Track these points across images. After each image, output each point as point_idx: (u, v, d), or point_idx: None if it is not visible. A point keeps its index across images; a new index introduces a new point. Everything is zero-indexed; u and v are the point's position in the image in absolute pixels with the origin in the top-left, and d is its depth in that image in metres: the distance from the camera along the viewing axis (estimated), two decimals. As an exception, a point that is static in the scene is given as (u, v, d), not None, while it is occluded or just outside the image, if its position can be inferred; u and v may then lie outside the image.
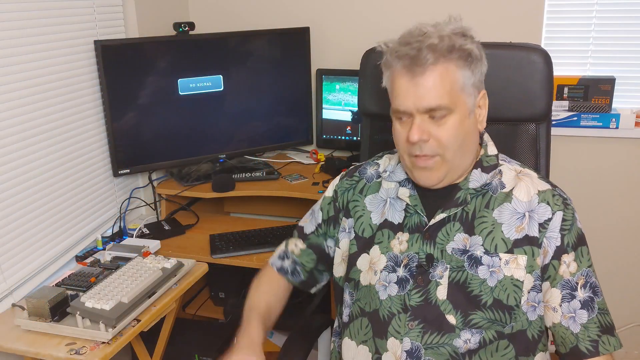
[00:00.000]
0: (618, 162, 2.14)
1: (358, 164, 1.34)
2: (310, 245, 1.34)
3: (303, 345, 1.39)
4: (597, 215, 2.19)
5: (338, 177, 1.34)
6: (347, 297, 1.26)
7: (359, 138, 2.29)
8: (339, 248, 1.28)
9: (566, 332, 1.09)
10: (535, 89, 1.33)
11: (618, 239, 2.21)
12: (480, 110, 1.13)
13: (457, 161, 1.11)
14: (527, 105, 1.35)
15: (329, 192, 1.33)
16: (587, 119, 2.10)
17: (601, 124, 2.09)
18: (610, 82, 2.05)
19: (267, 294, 1.35)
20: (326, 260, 1.34)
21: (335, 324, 1.35)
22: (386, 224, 1.20)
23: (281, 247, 1.40)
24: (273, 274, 1.38)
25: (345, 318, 1.25)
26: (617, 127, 2.07)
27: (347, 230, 1.26)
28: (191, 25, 2.09)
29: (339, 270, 1.30)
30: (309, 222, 1.36)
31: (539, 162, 1.39)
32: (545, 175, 1.39)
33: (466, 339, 1.10)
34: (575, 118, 2.10)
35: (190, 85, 2.09)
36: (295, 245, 1.36)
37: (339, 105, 2.30)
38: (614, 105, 2.09)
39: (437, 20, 1.10)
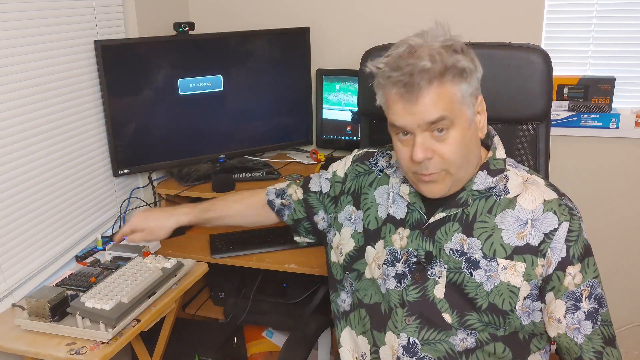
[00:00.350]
0: (618, 162, 2.14)
1: (372, 150, 1.34)
2: (305, 201, 1.37)
3: (303, 345, 1.39)
4: (597, 215, 2.19)
5: (350, 158, 1.34)
6: (347, 285, 1.27)
7: (359, 138, 2.28)
8: (339, 234, 1.29)
9: (570, 342, 1.09)
10: (535, 89, 1.33)
11: (618, 239, 2.21)
12: (480, 117, 1.11)
13: (461, 174, 1.10)
14: (527, 105, 1.35)
15: (341, 172, 1.34)
16: (587, 119, 2.10)
17: (601, 124, 2.09)
18: (610, 82, 2.05)
19: (240, 202, 1.44)
20: (311, 223, 1.37)
21: (333, 310, 1.35)
22: (390, 219, 1.21)
23: (282, 185, 1.44)
24: (261, 199, 1.43)
25: (347, 307, 1.27)
26: (617, 127, 2.08)
27: (352, 220, 1.27)
28: (191, 25, 2.08)
29: (334, 255, 1.31)
30: (316, 181, 1.37)
31: (538, 162, 1.39)
32: (544, 175, 1.38)
33: (462, 338, 1.10)
34: (575, 118, 2.10)
35: (190, 85, 2.09)
36: (296, 192, 1.40)
37: (339, 105, 2.30)
38: (614, 105, 2.09)
39: (423, 28, 1.07)
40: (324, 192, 1.35)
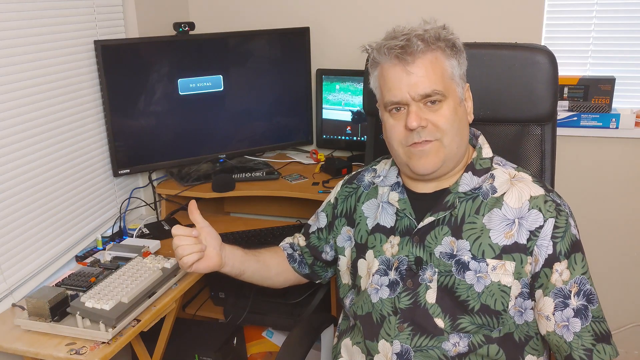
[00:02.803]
0: (618, 162, 2.14)
1: (359, 169, 1.35)
2: (308, 245, 1.39)
3: (301, 344, 1.39)
4: (596, 215, 2.19)
5: (340, 183, 1.36)
6: (347, 302, 1.27)
7: (359, 138, 2.29)
8: (344, 256, 1.30)
9: (560, 340, 1.08)
10: (540, 89, 1.32)
11: (618, 238, 2.21)
12: (467, 103, 1.16)
13: (454, 148, 1.11)
14: (532, 106, 1.33)
15: (331, 197, 1.36)
16: (587, 119, 2.10)
17: (601, 124, 2.09)
18: (610, 82, 2.05)
19: (266, 253, 1.39)
20: (324, 261, 1.38)
21: (339, 323, 1.36)
22: (378, 228, 1.21)
23: (290, 239, 1.46)
24: (281, 255, 1.42)
25: (350, 322, 1.27)
26: (617, 127, 2.07)
27: (351, 239, 1.28)
28: (191, 25, 2.08)
29: (345, 277, 1.32)
30: (314, 222, 1.40)
31: (544, 164, 1.37)
32: (550, 178, 1.37)
33: (455, 342, 1.10)
34: (575, 118, 2.10)
35: (190, 85, 2.09)
36: (298, 240, 1.42)
37: (339, 105, 2.30)
38: (614, 105, 2.08)
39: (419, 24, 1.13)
40: (320, 226, 1.37)
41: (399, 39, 1.06)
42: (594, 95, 2.07)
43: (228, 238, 1.96)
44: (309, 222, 1.43)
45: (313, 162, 2.32)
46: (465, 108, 1.15)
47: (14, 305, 1.56)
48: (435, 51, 1.07)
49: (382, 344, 1.15)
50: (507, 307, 1.09)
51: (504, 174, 1.15)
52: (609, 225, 2.20)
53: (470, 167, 1.15)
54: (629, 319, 2.25)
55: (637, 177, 2.14)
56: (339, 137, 2.33)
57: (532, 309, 1.11)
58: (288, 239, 1.47)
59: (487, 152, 1.18)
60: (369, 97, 1.47)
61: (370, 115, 1.53)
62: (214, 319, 2.27)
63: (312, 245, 1.38)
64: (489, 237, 1.10)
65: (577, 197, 2.07)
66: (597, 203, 2.19)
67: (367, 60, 1.15)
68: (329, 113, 2.33)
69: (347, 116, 2.29)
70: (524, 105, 1.34)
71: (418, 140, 1.09)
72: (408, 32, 1.07)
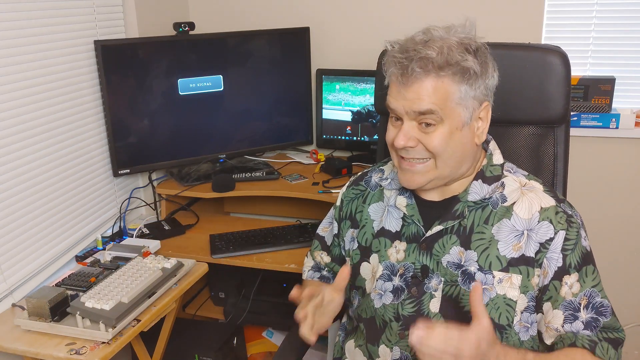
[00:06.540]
0: (618, 162, 2.14)
1: (365, 170, 1.33)
2: (334, 258, 1.36)
3: (300, 344, 1.38)
4: (597, 215, 2.18)
5: (346, 185, 1.34)
6: (355, 302, 1.26)
7: (359, 138, 2.29)
8: (349, 257, 1.29)
9: (564, 335, 1.07)
10: (553, 90, 1.29)
11: (618, 239, 2.21)
12: (480, 123, 1.08)
13: (446, 171, 1.08)
14: (544, 107, 1.30)
15: (338, 201, 1.34)
16: (587, 119, 2.10)
17: (601, 124, 2.09)
18: (610, 82, 2.05)
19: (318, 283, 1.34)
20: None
21: (347, 323, 1.36)
22: (383, 232, 1.20)
23: (310, 262, 1.41)
24: (316, 282, 1.37)
25: (355, 323, 1.27)
26: (617, 127, 2.07)
27: (354, 241, 1.26)
28: (191, 25, 2.08)
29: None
30: (328, 232, 1.37)
31: (556, 167, 1.34)
32: (562, 182, 1.35)
33: None
34: (575, 118, 2.10)
35: (190, 85, 2.09)
36: (322, 258, 1.38)
37: (339, 105, 2.30)
38: (614, 105, 2.08)
39: (452, 22, 1.08)
40: (334, 233, 1.33)
41: (407, 54, 1.01)
42: (594, 95, 2.07)
43: (228, 238, 1.96)
44: (320, 233, 1.39)
45: (313, 162, 2.32)
46: (473, 130, 1.07)
47: (14, 305, 1.56)
48: (439, 78, 1.01)
49: (383, 349, 1.14)
50: (512, 322, 1.07)
51: (514, 182, 1.13)
52: (608, 225, 2.20)
53: (480, 175, 1.12)
54: (629, 319, 2.25)
55: (637, 176, 2.14)
56: (339, 137, 2.33)
57: (537, 322, 1.09)
58: (307, 265, 1.42)
59: (497, 158, 1.15)
60: (381, 96, 1.47)
61: (382, 114, 1.52)
62: (214, 319, 2.27)
63: (337, 256, 1.35)
64: (497, 248, 1.08)
65: (577, 197, 2.06)
66: (597, 203, 2.19)
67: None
68: (329, 113, 2.33)
69: (347, 116, 2.29)
70: (535, 106, 1.30)
71: (406, 157, 1.08)
72: (420, 47, 1.01)
